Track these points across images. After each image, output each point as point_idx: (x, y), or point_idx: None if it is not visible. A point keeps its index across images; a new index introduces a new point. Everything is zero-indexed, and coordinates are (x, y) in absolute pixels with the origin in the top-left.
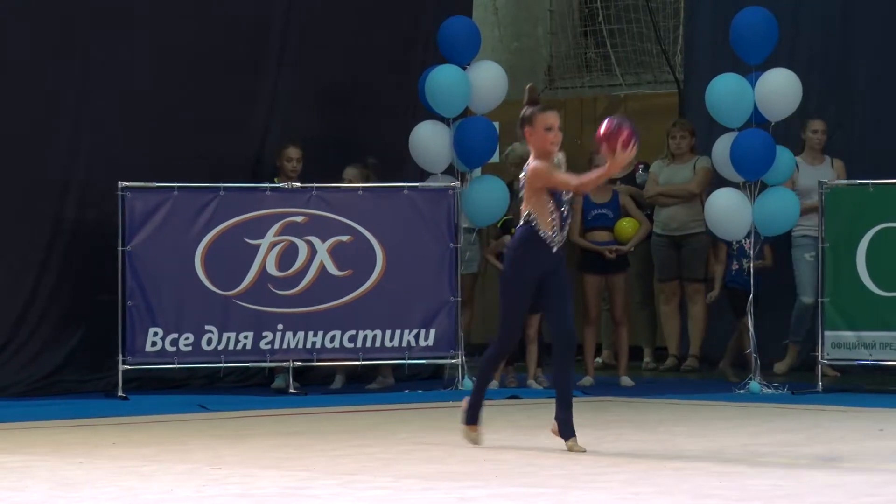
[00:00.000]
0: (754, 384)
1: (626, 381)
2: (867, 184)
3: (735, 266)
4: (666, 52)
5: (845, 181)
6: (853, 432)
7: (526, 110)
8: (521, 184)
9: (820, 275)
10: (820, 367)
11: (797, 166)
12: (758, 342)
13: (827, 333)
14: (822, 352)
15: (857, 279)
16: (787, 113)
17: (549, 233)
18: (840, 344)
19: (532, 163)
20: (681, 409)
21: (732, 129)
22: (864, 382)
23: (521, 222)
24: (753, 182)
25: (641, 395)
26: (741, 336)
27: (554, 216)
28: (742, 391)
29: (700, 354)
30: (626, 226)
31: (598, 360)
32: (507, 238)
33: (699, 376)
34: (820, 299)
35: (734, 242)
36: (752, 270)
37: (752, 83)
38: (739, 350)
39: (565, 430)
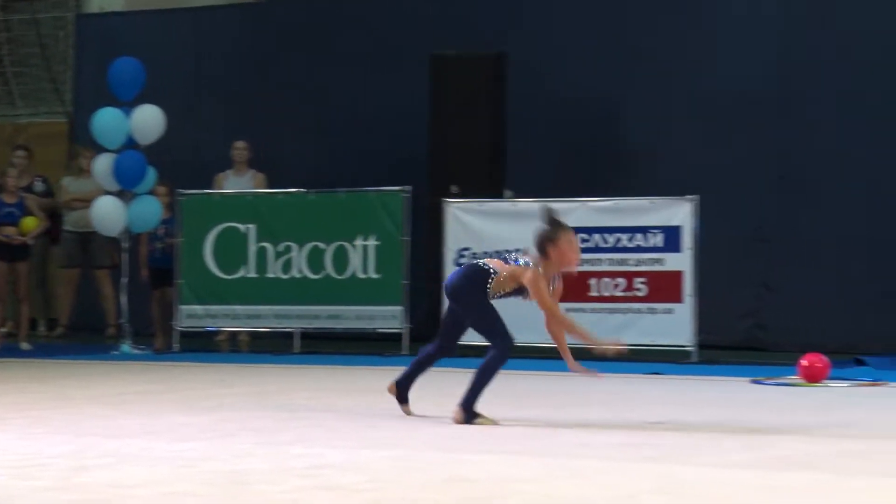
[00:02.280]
0: (125, 347)
1: (25, 345)
2: (214, 193)
3: (151, 248)
4: (59, 89)
5: (196, 191)
6: (204, 383)
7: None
8: (510, 266)
9: (176, 265)
10: (176, 331)
11: (227, 175)
12: (130, 313)
13: (182, 307)
14: (177, 321)
15: (205, 266)
16: (154, 138)
17: (493, 292)
18: (192, 315)
19: (536, 278)
20: (70, 367)
21: (112, 151)
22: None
23: (481, 264)
24: (128, 191)
25: (38, 357)
26: (157, 304)
27: (506, 294)
28: (117, 352)
29: (116, 323)
30: (29, 222)
31: (3, 329)
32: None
33: (115, 342)
34: (176, 281)
35: (155, 231)
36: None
37: (128, 115)
38: (162, 316)
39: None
